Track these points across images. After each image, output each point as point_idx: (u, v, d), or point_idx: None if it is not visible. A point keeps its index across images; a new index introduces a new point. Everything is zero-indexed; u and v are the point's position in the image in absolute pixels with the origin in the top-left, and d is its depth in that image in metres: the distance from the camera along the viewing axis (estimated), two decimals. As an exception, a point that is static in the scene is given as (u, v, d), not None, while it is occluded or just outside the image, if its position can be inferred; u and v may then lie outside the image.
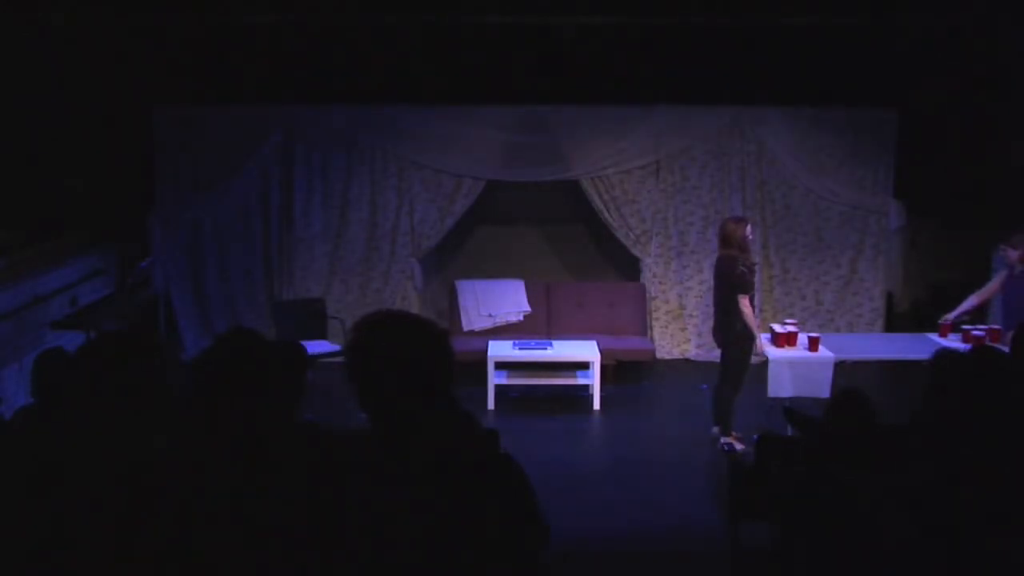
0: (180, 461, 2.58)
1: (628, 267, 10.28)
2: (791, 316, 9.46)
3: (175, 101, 9.54)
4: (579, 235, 10.51)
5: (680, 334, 10.16)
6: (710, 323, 7.82)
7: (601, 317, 9.76)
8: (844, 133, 9.88)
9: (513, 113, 9.69)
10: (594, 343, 8.92)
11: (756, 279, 8.26)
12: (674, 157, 9.91)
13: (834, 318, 10.07)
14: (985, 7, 8.69)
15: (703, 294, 9.77)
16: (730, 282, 7.26)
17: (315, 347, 8.61)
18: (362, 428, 2.51)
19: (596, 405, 8.55)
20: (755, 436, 5.58)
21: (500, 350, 8.73)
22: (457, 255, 10.46)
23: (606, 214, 9.95)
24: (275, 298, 9.84)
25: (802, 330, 7.88)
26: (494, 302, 9.81)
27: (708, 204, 9.95)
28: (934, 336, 7.82)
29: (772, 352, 7.47)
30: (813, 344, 7.50)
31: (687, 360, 10.08)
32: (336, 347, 8.93)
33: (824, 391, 7.10)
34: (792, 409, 5.40)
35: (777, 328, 7.75)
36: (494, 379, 8.55)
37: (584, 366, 8.70)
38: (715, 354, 7.81)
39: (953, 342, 7.48)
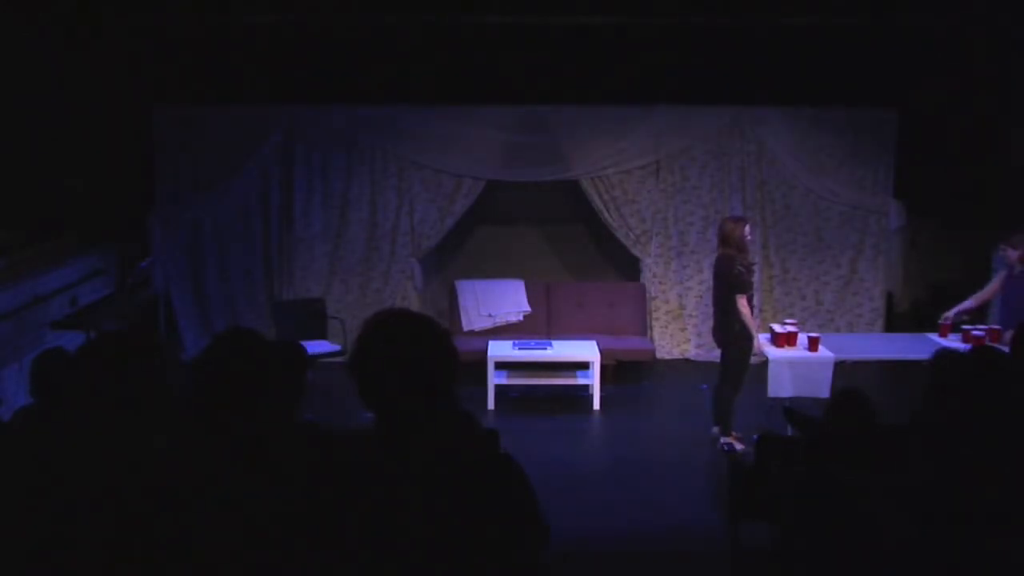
0: (180, 461, 2.58)
1: (628, 267, 10.28)
2: (791, 316, 9.47)
3: (175, 101, 9.54)
4: (579, 235, 10.51)
5: (680, 334, 10.16)
6: (710, 323, 7.82)
7: (601, 317, 9.76)
8: (844, 133, 9.88)
9: (513, 113, 9.69)
10: (594, 343, 8.92)
11: (756, 279, 8.27)
12: (674, 157, 9.91)
13: (834, 318, 10.07)
14: (985, 7, 8.69)
15: (703, 294, 9.77)
16: (728, 282, 7.27)
17: (315, 347, 8.61)
18: (362, 428, 2.51)
19: (596, 405, 8.55)
20: (755, 436, 5.58)
21: (500, 350, 8.73)
22: (457, 255, 10.46)
23: (606, 214, 9.95)
24: (275, 298, 9.84)
25: (802, 330, 7.88)
26: (494, 302, 9.81)
27: (708, 204, 9.95)
28: (934, 336, 7.82)
29: (772, 352, 7.47)
30: (813, 344, 7.50)
31: (687, 360, 10.08)
32: (336, 347, 8.94)
33: (824, 391, 7.10)
34: (792, 409, 5.40)
35: (777, 328, 7.75)
36: (494, 379, 8.55)
37: (584, 366, 8.70)
38: (715, 354, 7.81)
39: (953, 342, 7.48)
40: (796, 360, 7.42)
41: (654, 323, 10.11)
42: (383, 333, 2.47)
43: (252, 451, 2.59)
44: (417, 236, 9.94)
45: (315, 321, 9.27)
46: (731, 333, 7.30)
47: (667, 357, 10.04)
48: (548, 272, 10.37)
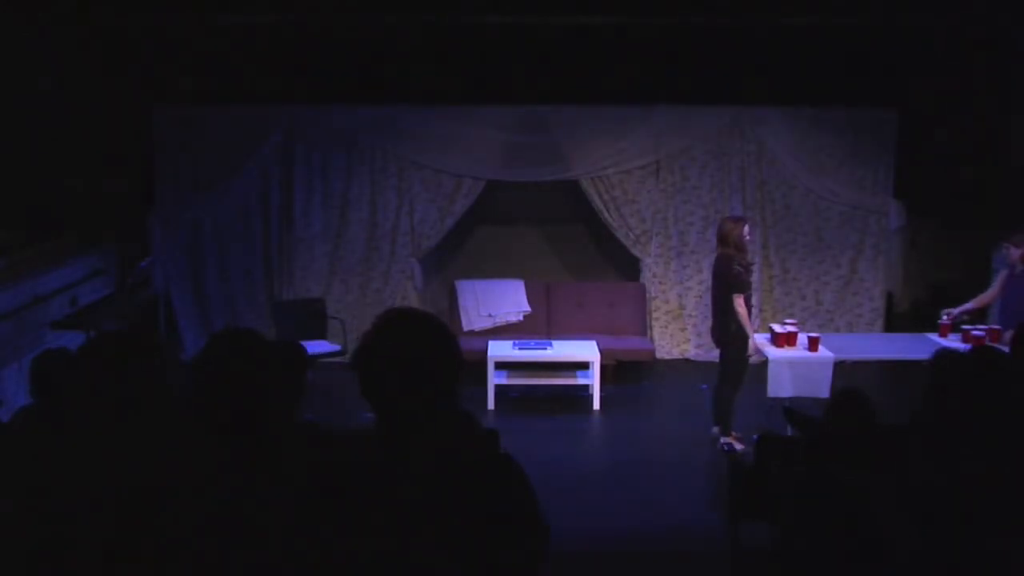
0: (180, 461, 2.58)
1: (628, 267, 10.28)
2: (791, 316, 9.46)
3: (175, 101, 9.54)
4: (579, 235, 10.50)
5: (680, 334, 10.16)
6: (709, 323, 7.83)
7: (601, 317, 9.76)
8: (844, 133, 9.88)
9: (513, 113, 9.69)
10: (594, 343, 8.92)
11: (755, 279, 8.27)
12: (674, 157, 9.90)
13: (834, 318, 10.07)
14: (985, 7, 8.69)
15: (703, 294, 9.77)
16: (726, 281, 7.27)
17: (315, 347, 8.61)
18: (362, 428, 2.51)
19: (596, 405, 8.55)
20: (755, 436, 5.58)
21: (500, 350, 8.73)
22: (457, 255, 10.46)
23: (606, 214, 9.95)
24: (275, 298, 9.84)
25: (802, 330, 7.88)
26: (494, 302, 9.81)
27: (708, 204, 9.95)
28: (934, 336, 7.82)
29: (772, 352, 7.47)
30: (813, 344, 7.50)
31: (687, 360, 10.08)
32: (336, 347, 8.94)
33: (824, 391, 7.10)
34: (792, 409, 5.40)
35: (777, 328, 7.75)
36: (494, 379, 8.55)
37: (584, 366, 8.70)
38: (715, 354, 7.81)
39: (953, 342, 7.48)
40: (796, 360, 7.42)
41: (654, 323, 10.11)
42: (389, 332, 2.46)
43: (252, 451, 2.59)
44: (417, 236, 9.93)
45: (315, 321, 9.27)
46: (729, 333, 7.30)
47: (667, 357, 10.04)
48: (548, 272, 10.37)
